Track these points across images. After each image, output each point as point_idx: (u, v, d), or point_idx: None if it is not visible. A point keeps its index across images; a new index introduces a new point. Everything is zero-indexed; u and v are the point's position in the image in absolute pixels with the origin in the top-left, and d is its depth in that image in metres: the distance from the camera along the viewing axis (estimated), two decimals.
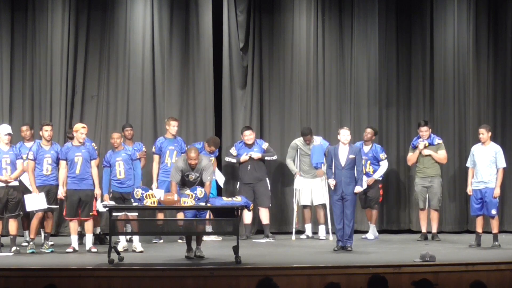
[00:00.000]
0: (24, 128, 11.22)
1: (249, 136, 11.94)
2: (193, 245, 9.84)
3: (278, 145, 12.74)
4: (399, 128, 13.23)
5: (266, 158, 12.03)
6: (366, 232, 12.16)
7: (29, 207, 10.34)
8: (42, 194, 10.33)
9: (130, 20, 12.75)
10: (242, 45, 12.94)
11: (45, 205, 10.34)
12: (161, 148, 11.63)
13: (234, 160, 12.01)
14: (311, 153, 11.94)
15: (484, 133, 11.00)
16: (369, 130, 12.04)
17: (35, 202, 10.31)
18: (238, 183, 12.09)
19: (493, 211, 10.85)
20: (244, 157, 11.89)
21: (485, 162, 10.89)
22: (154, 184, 11.50)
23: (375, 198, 11.95)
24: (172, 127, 11.67)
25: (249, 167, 11.90)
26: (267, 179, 12.05)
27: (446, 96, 13.18)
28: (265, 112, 13.07)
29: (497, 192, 10.84)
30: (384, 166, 12.01)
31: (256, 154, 11.92)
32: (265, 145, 12.09)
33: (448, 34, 13.24)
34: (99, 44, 12.71)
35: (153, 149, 11.73)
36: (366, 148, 11.90)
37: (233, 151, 12.05)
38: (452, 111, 13.16)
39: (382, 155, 12.00)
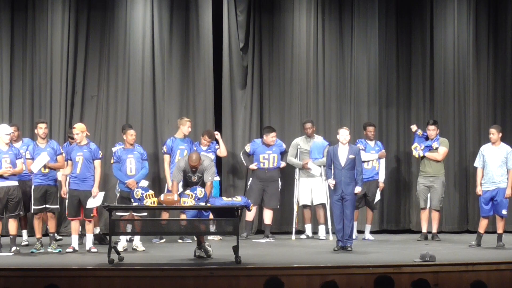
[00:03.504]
0: (12, 128, 11.09)
1: (273, 138, 11.92)
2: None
3: None
4: (399, 128, 13.23)
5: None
6: (362, 232, 12.11)
7: (34, 167, 10.30)
8: (45, 153, 10.35)
9: (130, 20, 12.75)
10: (242, 45, 12.95)
11: (46, 159, 10.31)
12: (172, 147, 11.66)
13: (245, 163, 12.01)
14: (310, 150, 11.96)
15: (494, 133, 10.94)
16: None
17: (39, 161, 10.31)
18: (251, 179, 12.06)
19: (504, 211, 10.82)
20: (252, 167, 11.93)
21: (496, 162, 10.84)
22: (170, 182, 11.53)
23: (374, 197, 11.94)
24: (187, 127, 11.70)
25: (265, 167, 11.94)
26: (279, 179, 12.06)
27: (446, 96, 13.19)
28: (265, 112, 13.07)
29: (508, 192, 10.79)
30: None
31: (282, 163, 11.99)
32: (284, 146, 12.09)
33: (448, 34, 13.24)
34: (99, 44, 12.70)
35: (164, 149, 11.75)
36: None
37: (247, 147, 12.05)
38: (452, 111, 13.16)
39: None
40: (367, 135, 12.03)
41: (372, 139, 12.04)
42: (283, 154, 12.06)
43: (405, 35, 13.32)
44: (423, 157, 11.84)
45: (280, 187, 12.06)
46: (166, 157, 11.73)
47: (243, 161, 12.08)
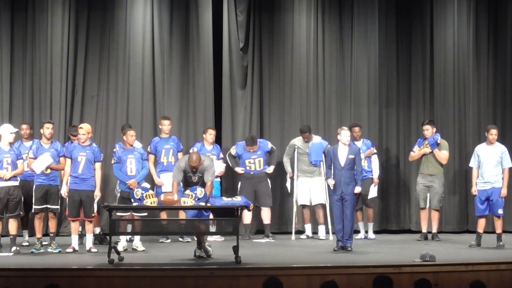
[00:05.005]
0: (24, 126, 11.30)
1: (254, 149, 11.92)
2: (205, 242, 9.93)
3: (278, 145, 12.72)
4: (399, 128, 13.24)
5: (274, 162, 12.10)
6: (358, 231, 12.08)
7: (36, 167, 10.33)
8: (48, 154, 10.37)
9: (130, 20, 12.75)
10: (242, 45, 12.95)
11: (49, 160, 10.33)
12: (157, 147, 11.68)
13: (231, 165, 12.00)
14: (309, 152, 11.95)
15: (496, 134, 10.99)
16: (357, 128, 12.10)
17: (41, 162, 10.33)
18: (240, 182, 12.07)
19: (500, 211, 10.83)
20: (238, 170, 11.95)
21: (491, 162, 10.86)
22: (157, 179, 11.58)
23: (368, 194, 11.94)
24: (164, 126, 11.73)
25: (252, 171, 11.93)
26: (268, 179, 12.05)
27: (446, 96, 13.19)
28: (265, 112, 13.08)
29: (504, 192, 10.82)
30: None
31: (271, 169, 12.00)
32: (269, 145, 12.10)
33: (448, 34, 13.25)
34: (99, 44, 12.71)
35: (149, 149, 11.76)
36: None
37: (232, 150, 12.04)
38: (452, 111, 13.16)
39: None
40: (353, 136, 12.00)
41: (358, 139, 12.02)
42: (270, 153, 12.05)
43: (405, 35, 13.33)
44: (430, 152, 11.78)
45: (269, 185, 12.05)
46: (151, 157, 11.69)
47: (229, 164, 12.06)
